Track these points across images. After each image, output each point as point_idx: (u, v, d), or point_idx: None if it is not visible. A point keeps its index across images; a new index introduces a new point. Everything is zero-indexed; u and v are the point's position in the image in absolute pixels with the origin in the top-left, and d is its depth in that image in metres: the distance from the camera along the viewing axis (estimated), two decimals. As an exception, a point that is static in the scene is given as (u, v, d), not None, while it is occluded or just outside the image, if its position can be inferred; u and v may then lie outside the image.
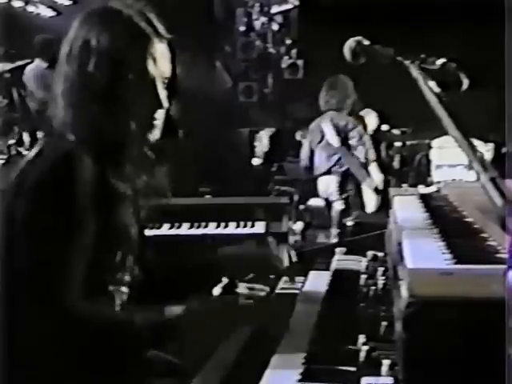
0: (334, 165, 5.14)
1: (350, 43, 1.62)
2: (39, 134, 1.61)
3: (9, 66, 6.06)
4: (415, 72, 1.40)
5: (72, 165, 1.46)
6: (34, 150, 1.54)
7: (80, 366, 1.41)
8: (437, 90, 1.32)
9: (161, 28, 1.60)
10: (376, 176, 5.06)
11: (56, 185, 1.45)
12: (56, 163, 1.47)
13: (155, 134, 1.62)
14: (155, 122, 1.61)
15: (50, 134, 1.57)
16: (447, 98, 1.30)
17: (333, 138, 5.08)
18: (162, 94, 1.60)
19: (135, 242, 1.64)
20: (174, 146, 1.70)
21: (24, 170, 1.51)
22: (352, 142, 5.07)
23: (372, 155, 5.08)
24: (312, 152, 5.33)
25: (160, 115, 1.61)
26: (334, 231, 4.54)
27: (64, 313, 1.38)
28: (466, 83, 1.46)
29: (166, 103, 1.61)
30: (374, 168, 5.07)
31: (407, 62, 1.44)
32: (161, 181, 1.69)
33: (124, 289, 1.63)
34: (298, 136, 5.84)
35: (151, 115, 1.60)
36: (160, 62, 1.58)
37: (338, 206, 4.91)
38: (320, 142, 5.22)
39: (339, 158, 5.11)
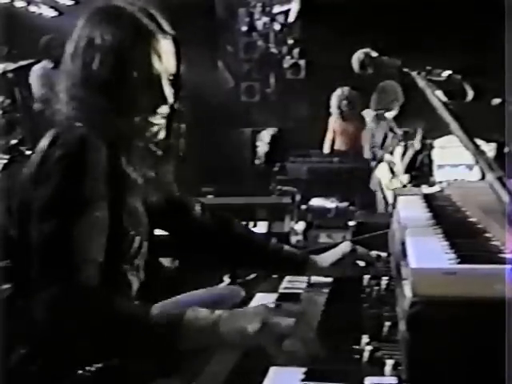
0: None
1: (358, 55, 1.66)
2: (44, 131, 1.57)
3: (11, 66, 6.06)
4: (422, 83, 1.44)
5: (88, 146, 1.47)
6: (45, 142, 1.51)
7: (92, 351, 1.38)
8: (444, 99, 1.35)
9: (165, 24, 1.60)
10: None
11: (77, 166, 1.45)
12: (74, 146, 1.47)
13: (161, 132, 1.63)
14: (160, 121, 1.61)
15: (59, 126, 1.56)
16: (453, 106, 1.33)
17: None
18: (167, 90, 1.60)
19: (148, 229, 1.65)
20: (179, 138, 1.71)
21: (40, 162, 1.48)
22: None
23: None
24: None
25: (164, 111, 1.62)
26: None
27: (81, 293, 1.35)
28: (470, 94, 1.48)
29: (171, 99, 1.61)
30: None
31: (414, 73, 1.49)
32: (167, 178, 1.70)
33: (141, 274, 1.64)
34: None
35: (156, 111, 1.60)
36: (165, 58, 1.59)
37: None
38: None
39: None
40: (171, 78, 1.62)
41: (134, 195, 1.61)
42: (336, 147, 6.97)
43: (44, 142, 1.51)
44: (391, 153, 5.65)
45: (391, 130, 5.67)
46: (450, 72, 1.48)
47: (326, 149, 6.95)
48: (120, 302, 1.39)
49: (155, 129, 1.61)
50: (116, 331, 1.34)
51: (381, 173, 5.56)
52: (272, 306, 1.37)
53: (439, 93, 1.37)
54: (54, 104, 1.60)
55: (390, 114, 5.73)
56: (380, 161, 5.65)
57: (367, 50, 1.64)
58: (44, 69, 6.37)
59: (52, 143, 1.49)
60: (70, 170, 1.45)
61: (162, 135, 1.63)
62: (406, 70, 1.53)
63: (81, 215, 1.41)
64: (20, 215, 1.50)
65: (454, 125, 1.25)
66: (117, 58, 1.54)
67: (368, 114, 6.04)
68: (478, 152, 1.20)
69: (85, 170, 1.45)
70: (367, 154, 5.96)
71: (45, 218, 1.41)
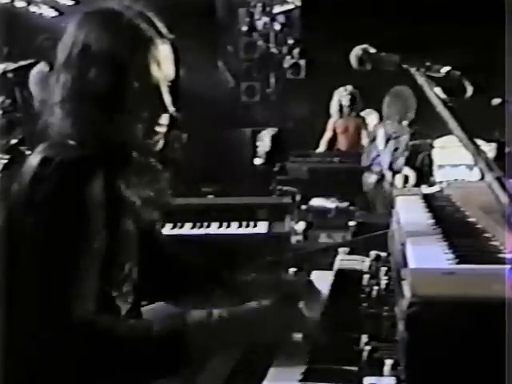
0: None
1: (356, 51, 1.64)
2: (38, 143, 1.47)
3: (12, 65, 6.06)
4: (421, 79, 1.43)
5: (83, 174, 1.39)
6: (35, 159, 1.42)
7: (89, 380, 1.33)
8: (443, 95, 1.35)
9: (162, 28, 1.53)
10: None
11: (69, 197, 1.37)
12: (66, 174, 1.38)
13: (160, 143, 1.56)
14: (160, 129, 1.54)
15: (52, 142, 1.48)
16: (452, 103, 1.32)
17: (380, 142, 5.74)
18: (167, 98, 1.52)
19: (138, 253, 1.58)
20: (179, 149, 1.64)
21: (31, 183, 1.39)
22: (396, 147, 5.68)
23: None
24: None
25: (165, 120, 1.54)
26: None
27: (75, 325, 1.29)
28: (470, 90, 1.48)
29: (171, 107, 1.53)
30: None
31: (413, 70, 1.47)
32: (164, 190, 1.62)
33: (129, 299, 1.57)
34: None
35: (156, 121, 1.52)
36: (164, 64, 1.52)
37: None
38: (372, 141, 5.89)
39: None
40: (170, 84, 1.54)
41: (128, 218, 1.52)
42: (338, 147, 6.98)
43: (34, 160, 1.41)
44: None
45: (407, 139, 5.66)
46: (449, 68, 1.47)
47: (322, 148, 6.96)
48: (119, 326, 1.36)
49: (156, 140, 1.54)
50: (122, 357, 1.31)
51: (399, 183, 5.62)
52: None
53: (438, 89, 1.36)
54: (47, 116, 1.51)
55: (405, 123, 5.71)
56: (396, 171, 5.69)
57: (365, 45, 1.63)
58: (42, 73, 6.35)
59: (43, 163, 1.40)
60: (64, 201, 1.36)
61: (160, 146, 1.56)
62: (404, 66, 1.52)
63: (79, 249, 1.35)
64: (8, 238, 1.39)
65: (452, 123, 1.25)
66: (115, 67, 1.46)
67: (372, 120, 6.06)
68: (477, 151, 1.20)
69: (80, 201, 1.37)
70: (365, 161, 5.92)
71: (36, 251, 1.33)
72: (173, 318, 1.38)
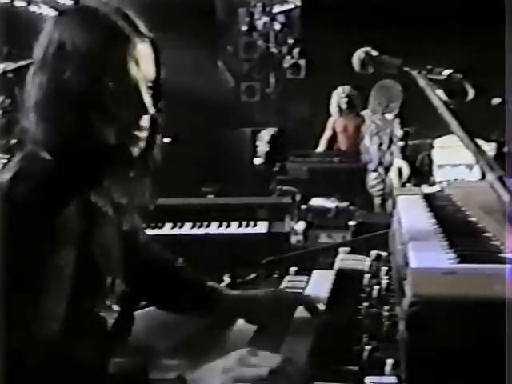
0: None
1: (358, 54, 1.65)
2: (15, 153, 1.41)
3: (11, 65, 6.05)
4: (422, 82, 1.43)
5: (51, 190, 1.34)
6: (7, 174, 1.36)
7: None
8: (444, 98, 1.35)
9: (142, 26, 1.46)
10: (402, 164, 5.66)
11: (35, 212, 1.31)
12: (34, 189, 1.33)
13: (139, 146, 1.47)
14: (140, 133, 1.46)
15: (24, 154, 1.43)
16: (454, 105, 1.33)
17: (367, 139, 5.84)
18: (147, 98, 1.44)
19: (121, 262, 1.54)
20: (159, 153, 1.55)
21: (5, 196, 1.33)
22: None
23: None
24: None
25: (145, 122, 1.46)
26: None
27: (41, 347, 1.24)
28: (471, 93, 1.48)
29: (151, 109, 1.45)
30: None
31: (414, 73, 1.48)
32: (144, 194, 1.55)
33: (115, 307, 1.52)
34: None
35: (136, 123, 1.45)
36: (143, 64, 1.44)
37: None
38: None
39: None
40: (150, 85, 1.47)
41: (105, 227, 1.46)
42: (338, 146, 6.98)
43: (6, 175, 1.36)
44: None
45: (391, 131, 5.69)
46: (450, 71, 1.47)
47: (321, 147, 6.96)
48: (82, 353, 1.29)
49: (135, 143, 1.46)
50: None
51: (393, 177, 5.64)
52: (244, 354, 1.24)
53: (440, 92, 1.37)
54: (22, 121, 1.46)
55: (390, 116, 5.73)
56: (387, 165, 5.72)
57: (367, 48, 1.64)
58: None
59: (12, 179, 1.35)
60: (31, 218, 1.30)
61: (139, 150, 1.48)
62: (406, 69, 1.53)
63: (43, 266, 1.29)
64: None
65: (454, 124, 1.26)
66: (90, 66, 1.39)
67: (367, 115, 6.05)
68: (479, 151, 1.20)
69: (45, 221, 1.31)
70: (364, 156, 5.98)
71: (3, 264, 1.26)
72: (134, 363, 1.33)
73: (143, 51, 1.45)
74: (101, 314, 1.48)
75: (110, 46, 1.41)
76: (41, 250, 1.30)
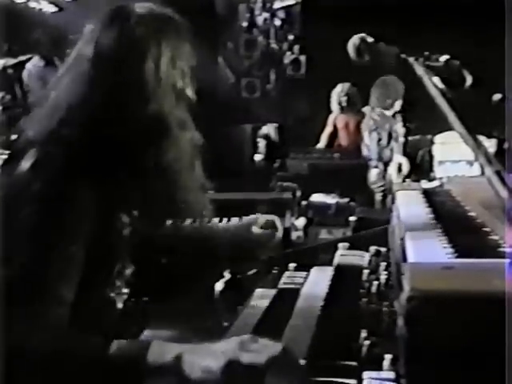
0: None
1: (354, 40, 1.61)
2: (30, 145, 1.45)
3: (11, 61, 6.06)
4: (420, 70, 1.41)
5: (67, 178, 1.39)
6: (26, 164, 1.41)
7: None
8: (441, 86, 1.33)
9: (178, 24, 1.64)
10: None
11: (51, 199, 1.37)
12: (51, 177, 1.38)
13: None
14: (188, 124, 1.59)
15: (42, 142, 1.47)
16: (451, 94, 1.31)
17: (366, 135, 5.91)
18: (188, 89, 1.60)
19: (132, 249, 1.58)
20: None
21: (20, 183, 1.40)
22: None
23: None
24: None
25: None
26: None
27: (48, 334, 1.25)
28: (469, 80, 1.46)
29: (193, 96, 1.61)
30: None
31: (411, 60, 1.45)
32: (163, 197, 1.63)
33: (125, 290, 1.57)
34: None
35: (185, 114, 1.58)
36: (178, 58, 1.58)
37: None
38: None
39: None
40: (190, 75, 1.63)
41: (119, 215, 1.52)
42: (338, 142, 6.98)
43: (25, 164, 1.41)
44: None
45: (390, 127, 5.69)
46: (447, 57, 1.45)
47: (322, 143, 6.96)
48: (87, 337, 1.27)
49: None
50: (76, 370, 1.23)
51: (393, 172, 5.64)
52: (246, 339, 1.22)
53: (436, 79, 1.34)
54: (38, 108, 1.53)
55: (389, 112, 5.72)
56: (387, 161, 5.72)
57: (363, 35, 1.60)
58: (37, 67, 6.32)
59: (32, 167, 1.40)
60: (47, 205, 1.35)
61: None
62: (403, 56, 1.50)
63: (55, 250, 1.33)
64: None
65: (452, 116, 1.24)
66: (128, 66, 1.48)
67: (368, 111, 6.05)
68: (477, 145, 1.19)
69: (61, 209, 1.36)
70: (365, 152, 5.99)
71: (14, 250, 1.30)
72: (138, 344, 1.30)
73: (178, 47, 1.59)
74: (110, 295, 1.52)
75: (147, 45, 1.50)
76: (55, 236, 1.34)
